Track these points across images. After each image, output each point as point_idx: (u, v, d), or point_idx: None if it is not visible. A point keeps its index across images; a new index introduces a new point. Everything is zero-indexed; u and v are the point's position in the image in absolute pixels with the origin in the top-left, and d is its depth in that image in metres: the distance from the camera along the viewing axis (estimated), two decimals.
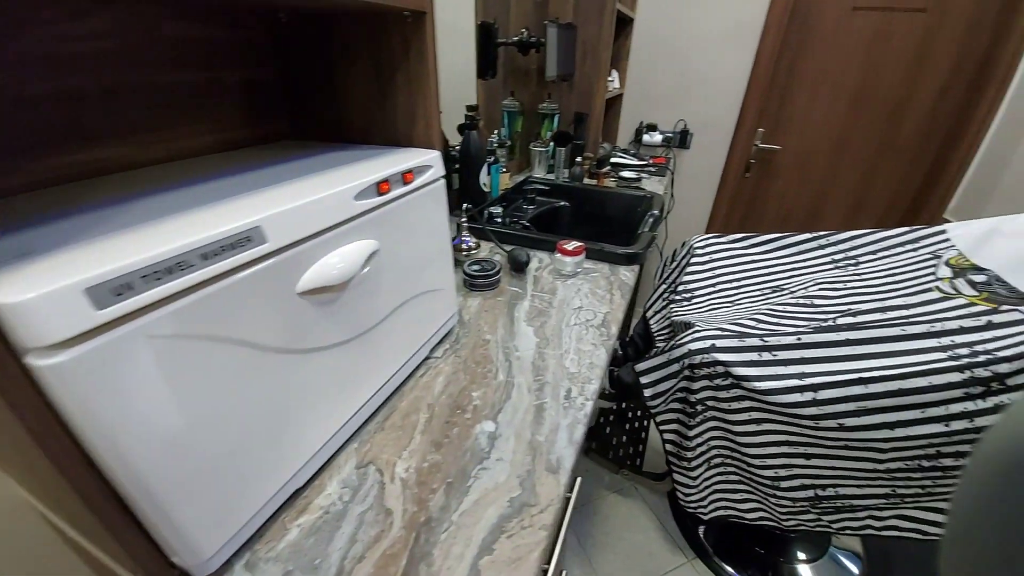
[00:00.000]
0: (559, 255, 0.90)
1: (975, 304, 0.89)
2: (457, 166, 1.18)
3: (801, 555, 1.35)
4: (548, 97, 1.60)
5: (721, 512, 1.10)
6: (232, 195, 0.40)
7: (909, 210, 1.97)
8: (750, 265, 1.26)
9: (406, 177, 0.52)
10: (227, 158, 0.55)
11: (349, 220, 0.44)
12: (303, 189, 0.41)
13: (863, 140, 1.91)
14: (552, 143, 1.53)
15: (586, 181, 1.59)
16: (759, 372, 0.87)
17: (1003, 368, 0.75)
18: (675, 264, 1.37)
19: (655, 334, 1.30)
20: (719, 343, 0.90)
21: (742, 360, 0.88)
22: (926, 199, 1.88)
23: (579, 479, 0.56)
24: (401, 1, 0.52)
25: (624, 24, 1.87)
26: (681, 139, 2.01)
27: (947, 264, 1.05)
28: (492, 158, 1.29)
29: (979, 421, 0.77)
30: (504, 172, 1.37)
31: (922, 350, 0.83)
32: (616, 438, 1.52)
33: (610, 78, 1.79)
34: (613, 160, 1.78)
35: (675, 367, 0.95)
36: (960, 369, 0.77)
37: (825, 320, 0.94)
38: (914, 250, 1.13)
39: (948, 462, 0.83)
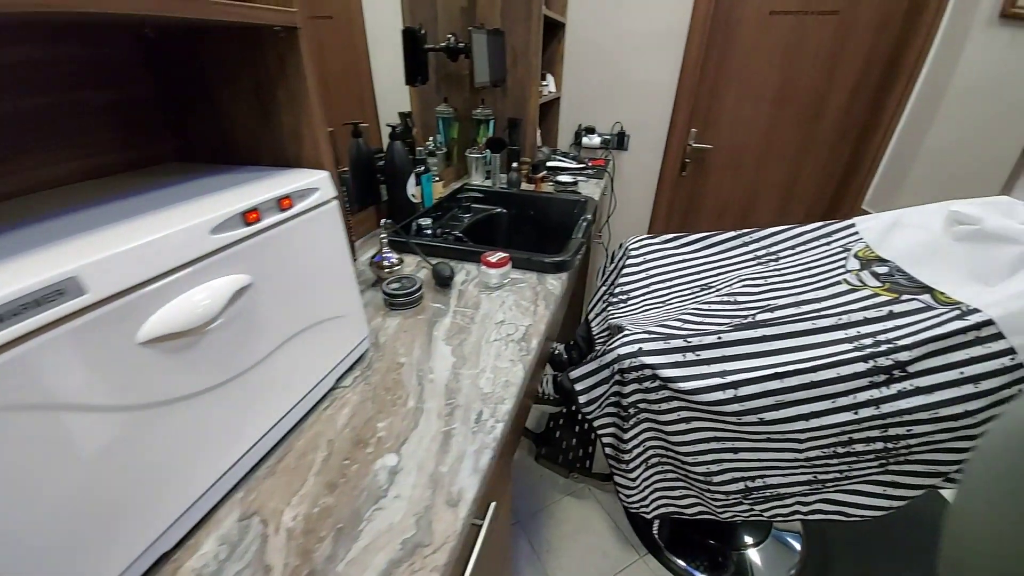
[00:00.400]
0: (484, 267, 0.89)
1: (879, 295, 0.94)
2: (382, 178, 1.15)
3: (748, 539, 1.40)
4: (482, 103, 1.58)
5: (663, 510, 1.12)
6: (60, 237, 0.35)
7: (833, 202, 2.09)
8: (681, 265, 1.29)
9: (283, 203, 0.49)
10: (86, 188, 0.50)
11: (205, 257, 0.40)
12: (148, 226, 0.38)
13: (787, 137, 2.01)
14: (487, 149, 1.52)
15: (524, 187, 1.59)
16: (684, 372, 0.89)
17: (903, 356, 0.80)
18: (613, 266, 1.39)
19: (595, 337, 1.31)
20: (646, 346, 0.92)
21: (668, 362, 0.90)
22: (846, 191, 1.99)
23: (493, 504, 0.55)
24: (270, 17, 0.49)
25: (555, 29, 1.88)
26: (619, 141, 2.05)
27: (856, 256, 1.11)
28: (422, 167, 1.27)
29: (884, 408, 0.81)
30: (437, 181, 1.35)
31: (831, 342, 0.87)
32: (566, 441, 1.52)
33: (544, 82, 1.79)
34: (551, 164, 1.79)
35: (606, 372, 0.95)
36: (864, 359, 0.81)
37: (746, 317, 0.97)
38: (827, 244, 1.19)
39: (860, 447, 0.87)
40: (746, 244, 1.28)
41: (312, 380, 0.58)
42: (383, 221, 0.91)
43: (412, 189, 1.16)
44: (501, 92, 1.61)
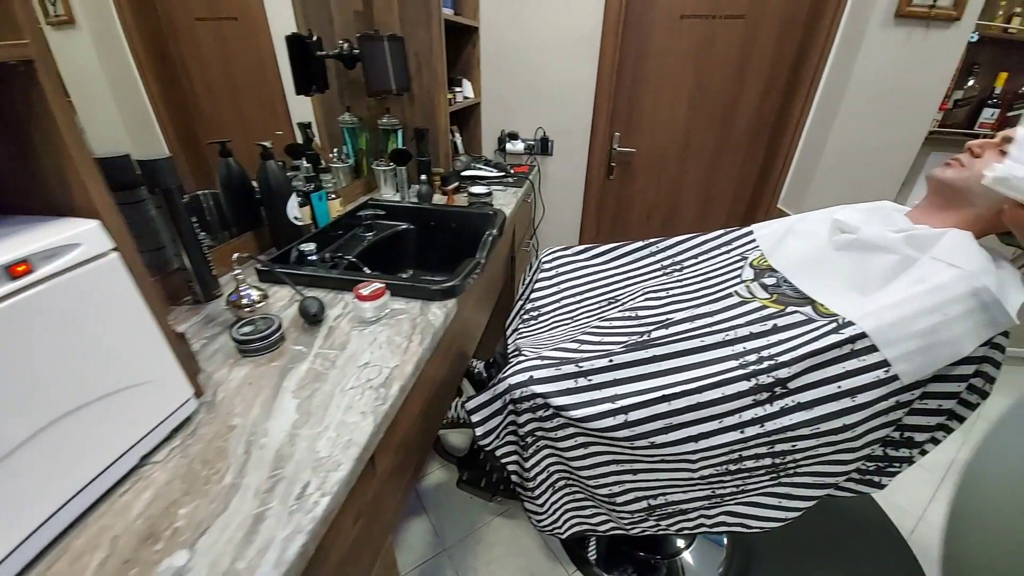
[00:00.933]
0: (357, 300, 0.82)
1: (766, 307, 0.94)
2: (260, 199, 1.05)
3: (680, 543, 1.40)
4: (387, 112, 1.50)
5: (577, 528, 1.09)
6: None
7: (751, 202, 2.15)
8: (591, 278, 1.27)
9: (15, 270, 0.40)
10: None
11: None
12: None
13: (704, 139, 2.04)
14: (392, 162, 1.44)
15: (437, 199, 1.52)
16: (576, 400, 0.85)
17: (783, 373, 0.79)
18: (528, 279, 1.35)
19: (509, 356, 1.26)
20: (538, 374, 0.88)
21: (560, 389, 0.86)
22: (762, 191, 2.05)
23: None
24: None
25: (466, 32, 1.82)
26: (543, 146, 2.01)
27: (751, 266, 1.11)
28: (311, 185, 1.18)
29: (768, 425, 0.80)
30: (334, 198, 1.26)
31: (718, 359, 0.86)
32: (491, 463, 1.48)
33: (459, 88, 1.73)
34: (469, 173, 1.73)
35: (499, 403, 0.91)
36: (747, 377, 0.80)
37: (643, 334, 0.95)
38: (727, 252, 1.19)
39: (750, 464, 0.86)
40: (653, 254, 1.27)
41: (101, 463, 0.49)
42: (236, 255, 0.82)
43: (295, 211, 1.07)
44: (408, 100, 1.53)
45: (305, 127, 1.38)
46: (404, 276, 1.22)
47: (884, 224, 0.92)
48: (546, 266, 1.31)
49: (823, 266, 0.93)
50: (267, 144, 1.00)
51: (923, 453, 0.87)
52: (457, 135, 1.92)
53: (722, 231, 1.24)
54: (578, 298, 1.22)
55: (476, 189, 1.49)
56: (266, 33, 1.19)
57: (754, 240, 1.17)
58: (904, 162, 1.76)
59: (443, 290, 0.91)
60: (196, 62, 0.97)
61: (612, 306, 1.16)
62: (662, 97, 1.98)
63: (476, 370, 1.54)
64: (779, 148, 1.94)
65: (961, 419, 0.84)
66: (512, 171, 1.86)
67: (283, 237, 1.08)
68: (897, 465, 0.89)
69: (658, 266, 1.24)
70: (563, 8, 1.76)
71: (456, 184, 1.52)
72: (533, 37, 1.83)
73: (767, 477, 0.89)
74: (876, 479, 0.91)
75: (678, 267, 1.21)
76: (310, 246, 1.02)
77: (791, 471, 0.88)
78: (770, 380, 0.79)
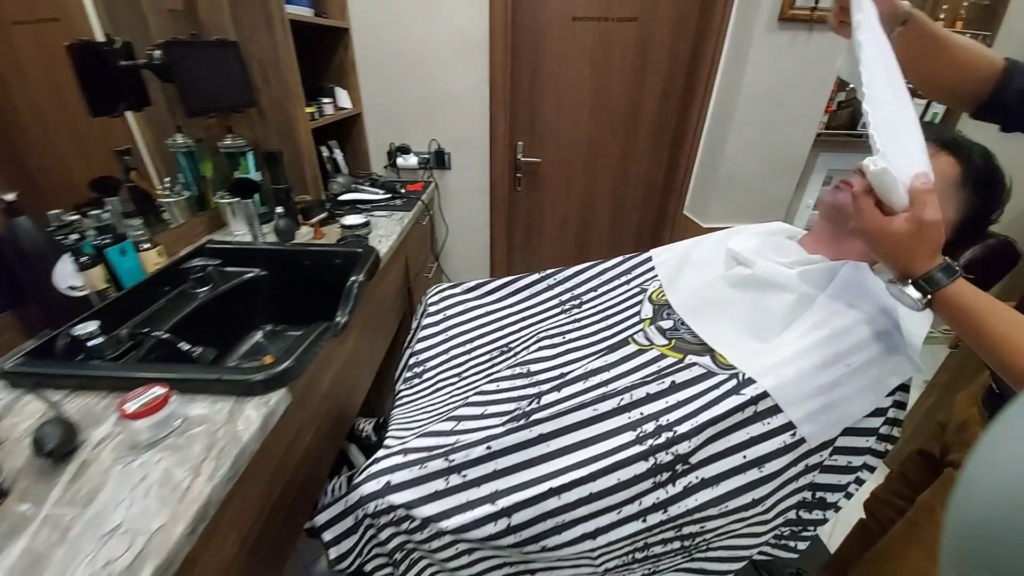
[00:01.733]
0: (123, 418, 0.59)
1: (664, 356, 0.82)
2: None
3: None
4: (229, 132, 1.24)
5: None
6: None
7: (660, 209, 2.10)
8: (483, 320, 1.10)
9: None
10: None
11: None
12: None
13: (609, 147, 1.96)
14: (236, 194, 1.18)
15: (304, 234, 1.28)
16: (447, 505, 0.68)
17: (683, 448, 0.67)
18: (415, 324, 1.15)
19: (385, 430, 1.06)
20: (396, 477, 0.69)
21: (425, 495, 0.68)
22: (669, 198, 2.00)
23: None
24: None
25: (333, 35, 1.58)
26: (439, 160, 1.82)
27: (650, 300, 1.00)
28: (106, 238, 0.90)
29: (672, 510, 0.68)
30: (147, 248, 0.99)
31: (614, 431, 0.72)
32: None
33: (327, 100, 1.49)
34: (348, 197, 1.50)
35: (351, 520, 0.71)
36: (645, 456, 0.67)
37: (532, 399, 0.80)
38: (627, 283, 1.07)
39: (658, 549, 0.74)
40: (551, 287, 1.13)
41: None
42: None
43: (70, 279, 0.80)
44: (257, 116, 1.27)
45: (123, 153, 1.10)
46: (211, 360, 0.98)
47: (778, 254, 0.83)
48: (432, 309, 1.13)
49: (719, 307, 0.83)
50: (9, 197, 0.73)
51: (837, 510, 0.79)
52: (337, 152, 1.68)
53: (622, 258, 1.12)
54: (467, 347, 1.05)
55: (351, 219, 1.27)
56: (89, 36, 0.97)
57: (653, 268, 1.06)
58: (796, 164, 1.77)
59: (266, 380, 0.69)
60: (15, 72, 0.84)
61: (504, 357, 1.00)
62: (563, 104, 1.86)
63: (363, 432, 1.33)
64: (681, 154, 1.89)
65: (872, 468, 0.77)
66: (404, 190, 1.65)
67: (61, 314, 0.80)
68: (812, 528, 0.81)
69: (556, 301, 1.10)
70: (443, 8, 1.58)
71: (324, 215, 1.29)
72: (415, 40, 1.63)
73: (679, 557, 0.78)
74: (792, 544, 0.83)
75: (577, 302, 1.07)
76: (89, 326, 0.75)
77: (704, 547, 0.77)
78: (670, 458, 0.67)
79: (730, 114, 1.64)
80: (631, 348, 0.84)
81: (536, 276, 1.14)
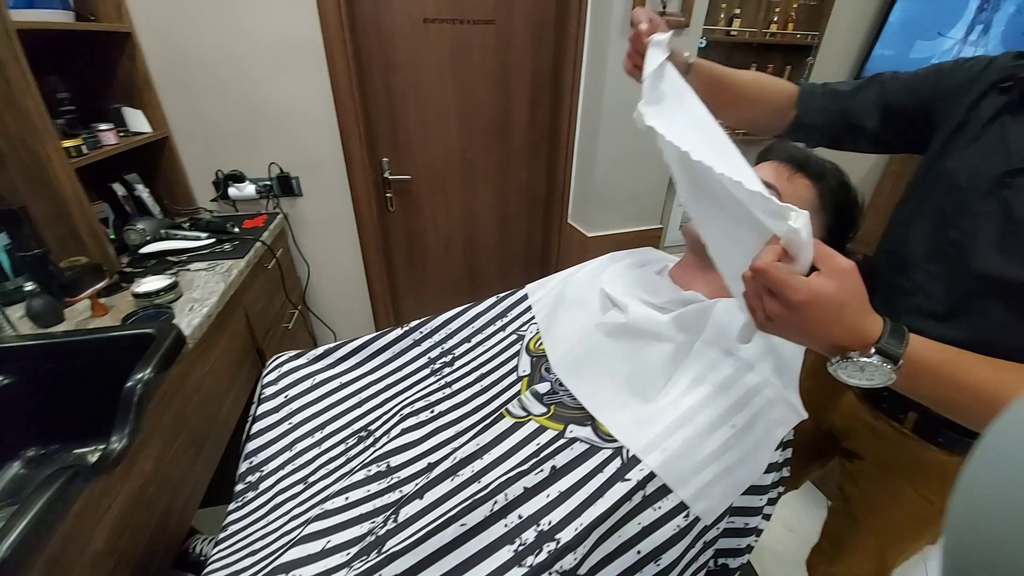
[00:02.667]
0: None
1: (544, 429, 0.70)
2: None
3: None
4: None
5: None
6: None
7: (545, 219, 2.02)
8: (336, 397, 0.89)
9: None
10: None
11: None
12: None
13: (484, 158, 1.82)
14: None
15: (82, 312, 0.96)
16: None
17: (568, 562, 0.54)
18: (253, 409, 0.91)
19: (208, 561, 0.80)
20: None
21: None
22: (552, 208, 1.93)
23: None
24: None
25: (110, 42, 1.23)
26: (284, 186, 1.54)
27: (528, 351, 0.88)
28: None
29: None
30: None
31: (489, 549, 0.57)
32: None
33: (103, 127, 1.14)
34: (156, 248, 1.18)
35: None
36: None
37: (387, 522, 0.63)
38: (503, 330, 0.94)
39: None
40: (418, 343, 0.95)
41: None
42: None
43: None
44: None
45: None
46: None
47: (652, 293, 0.75)
48: (269, 390, 0.89)
49: (597, 361, 0.72)
50: None
51: (739, 568, 0.74)
52: (141, 188, 1.33)
53: (496, 298, 0.98)
54: (316, 437, 0.84)
55: (149, 283, 0.97)
56: None
57: (530, 309, 0.94)
58: (665, 170, 1.78)
59: None
60: None
61: (362, 447, 0.81)
62: (427, 114, 1.68)
63: (195, 551, 1.05)
64: (557, 162, 1.82)
65: (768, 516, 0.72)
66: (237, 228, 1.35)
67: None
68: None
69: (425, 360, 0.93)
70: (257, 7, 1.31)
71: (105, 282, 0.97)
72: (227, 45, 1.33)
73: None
74: None
75: (449, 359, 0.91)
76: None
77: None
78: None
79: (597, 121, 1.59)
80: (506, 424, 0.71)
81: (399, 331, 0.96)
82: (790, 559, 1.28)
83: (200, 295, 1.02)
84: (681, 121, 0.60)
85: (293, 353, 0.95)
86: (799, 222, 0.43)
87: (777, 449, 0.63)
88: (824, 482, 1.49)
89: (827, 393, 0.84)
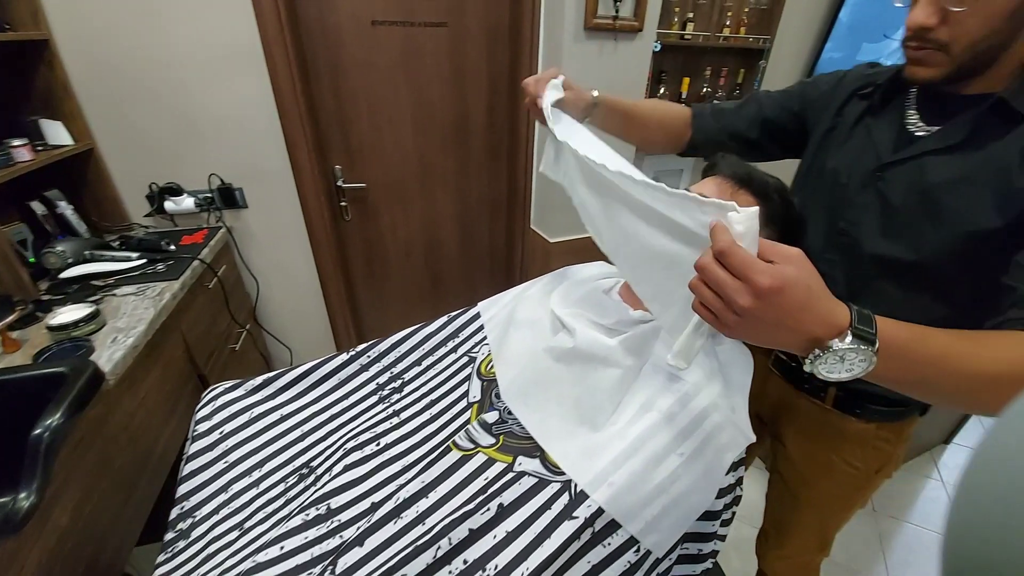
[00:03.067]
0: None
1: (493, 461, 0.67)
2: None
3: None
4: None
5: None
6: None
7: (508, 224, 1.99)
8: (276, 431, 0.84)
9: None
10: None
11: None
12: None
13: (443, 162, 1.78)
14: None
15: None
16: None
17: None
18: (187, 447, 0.84)
19: None
20: None
21: None
22: (514, 213, 1.90)
23: None
24: None
25: (26, 51, 1.12)
26: (226, 198, 1.46)
27: (479, 375, 0.85)
28: None
29: None
30: None
31: None
32: None
33: (18, 142, 1.04)
34: (80, 272, 1.09)
35: None
36: None
37: (324, 569, 0.59)
38: (454, 352, 0.90)
39: None
40: (365, 368, 0.91)
41: None
42: None
43: None
44: None
45: None
46: None
47: (600, 314, 0.73)
48: (202, 426, 0.83)
49: (546, 387, 0.70)
50: None
51: None
52: (64, 205, 1.22)
53: (447, 318, 0.94)
54: (253, 477, 0.78)
55: (66, 314, 0.89)
56: None
57: (482, 328, 0.91)
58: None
59: None
60: None
61: (303, 487, 0.76)
62: (380, 120, 1.62)
63: None
64: (517, 167, 1.79)
65: (723, 538, 0.71)
66: (173, 246, 1.26)
67: None
68: None
69: (373, 387, 0.88)
70: (188, 8, 1.22)
71: (16, 314, 0.89)
72: (155, 52, 1.24)
73: None
74: None
75: (398, 385, 0.87)
76: None
77: None
78: None
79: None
80: (453, 457, 0.67)
81: (345, 356, 0.91)
82: (732, 540, 1.30)
83: (126, 324, 0.94)
84: (586, 145, 0.67)
85: (229, 384, 0.88)
86: (745, 221, 0.41)
87: (729, 472, 0.62)
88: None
89: (753, 380, 0.85)
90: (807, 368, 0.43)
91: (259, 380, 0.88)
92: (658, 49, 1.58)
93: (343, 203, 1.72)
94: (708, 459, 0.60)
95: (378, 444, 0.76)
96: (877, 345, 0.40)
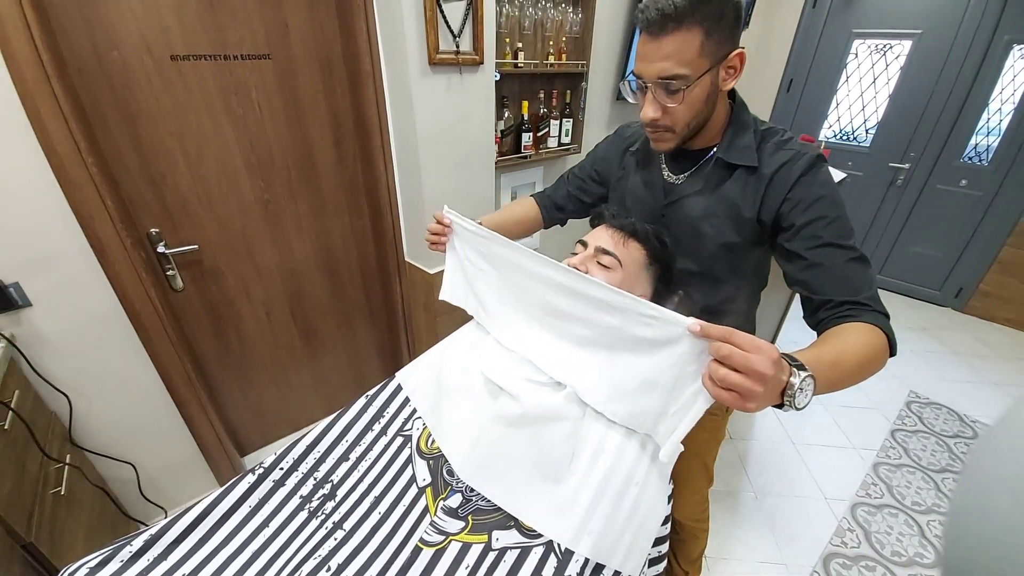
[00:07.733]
0: None
1: (469, 545, 0.66)
2: None
3: None
4: None
5: None
6: None
7: (380, 263, 1.88)
8: None
9: None
10: None
11: None
12: None
13: (294, 206, 1.59)
14: None
15: None
16: None
17: None
18: None
19: None
20: None
21: None
22: (385, 247, 1.81)
23: None
24: None
25: None
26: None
27: (420, 454, 0.81)
28: None
29: None
30: None
31: None
32: None
33: None
34: None
35: None
36: None
37: None
38: (384, 433, 0.84)
39: None
40: (281, 483, 0.78)
41: None
42: None
43: None
44: None
45: None
46: None
47: (534, 370, 0.77)
48: None
49: (504, 455, 0.71)
50: None
51: None
52: None
53: (365, 399, 0.87)
54: None
55: None
56: None
57: (408, 401, 0.86)
58: (487, 195, 1.84)
59: None
60: None
61: None
62: (205, 169, 1.37)
63: None
64: (380, 201, 1.71)
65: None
66: None
67: None
68: None
69: (297, 502, 0.77)
70: None
71: None
72: None
73: None
74: None
75: (328, 491, 0.78)
76: None
77: None
78: None
79: (415, 158, 1.54)
80: (425, 557, 0.64)
81: (252, 478, 0.77)
82: None
83: None
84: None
85: (95, 561, 0.68)
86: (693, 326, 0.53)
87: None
88: None
89: None
90: (793, 407, 0.52)
91: (141, 542, 0.70)
92: (498, 79, 1.66)
93: (169, 272, 1.41)
94: (656, 477, 0.69)
95: (328, 570, 0.68)
96: (808, 370, 0.52)
